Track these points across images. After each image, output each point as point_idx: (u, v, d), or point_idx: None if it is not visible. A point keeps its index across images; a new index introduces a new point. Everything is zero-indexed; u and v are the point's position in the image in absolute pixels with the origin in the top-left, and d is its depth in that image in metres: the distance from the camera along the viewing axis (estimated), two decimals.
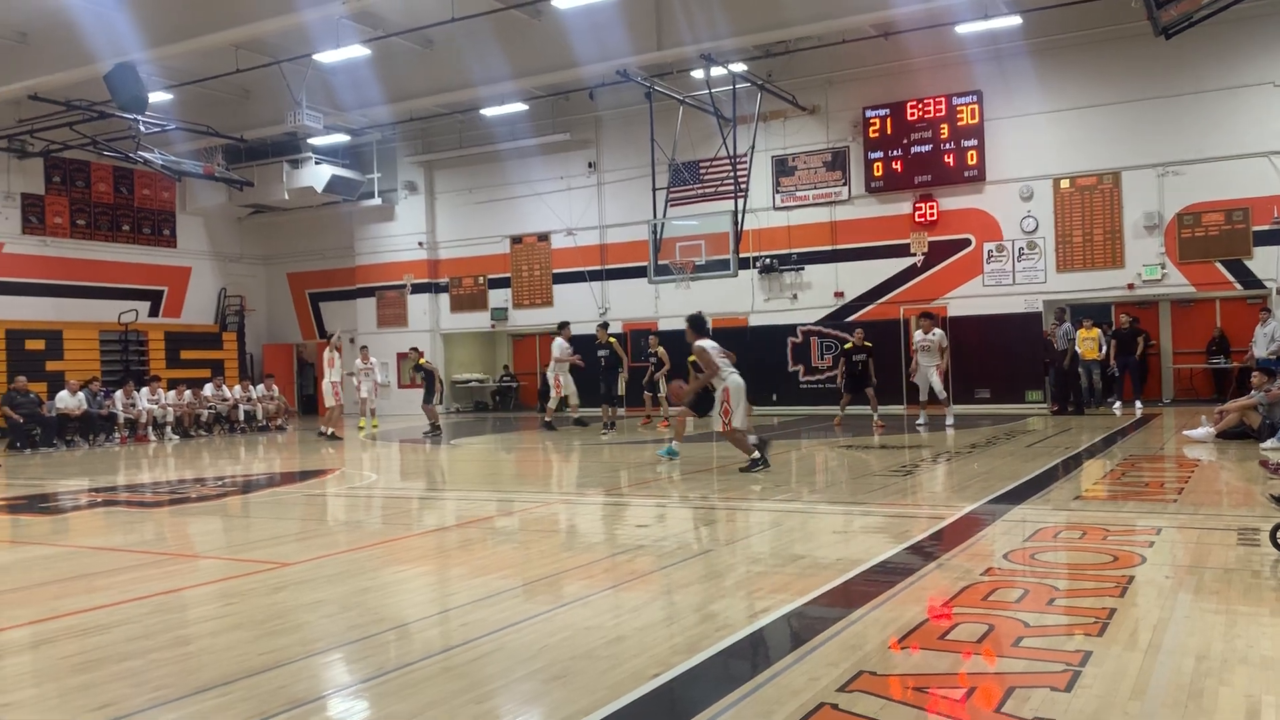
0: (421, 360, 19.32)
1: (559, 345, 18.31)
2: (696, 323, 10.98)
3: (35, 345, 22.71)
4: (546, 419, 18.52)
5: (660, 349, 18.36)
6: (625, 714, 3.45)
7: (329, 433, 18.28)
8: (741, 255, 19.91)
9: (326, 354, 19.08)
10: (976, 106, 20.14)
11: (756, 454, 10.51)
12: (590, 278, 24.26)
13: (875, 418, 16.68)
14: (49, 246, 23.96)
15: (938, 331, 16.15)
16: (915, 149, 20.66)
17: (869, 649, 4.12)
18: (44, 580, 6.31)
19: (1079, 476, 10.07)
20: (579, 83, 20.83)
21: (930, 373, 15.93)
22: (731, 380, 10.48)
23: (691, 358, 11.45)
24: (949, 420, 15.95)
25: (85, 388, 19.65)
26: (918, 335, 16.24)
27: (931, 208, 20.59)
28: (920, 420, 16.36)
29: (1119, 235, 19.24)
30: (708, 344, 10.57)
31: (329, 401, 18.83)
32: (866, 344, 17.26)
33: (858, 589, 5.24)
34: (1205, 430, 12.52)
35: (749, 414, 11.00)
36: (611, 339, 18.39)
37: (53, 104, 19.96)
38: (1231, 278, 18.49)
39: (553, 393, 18.65)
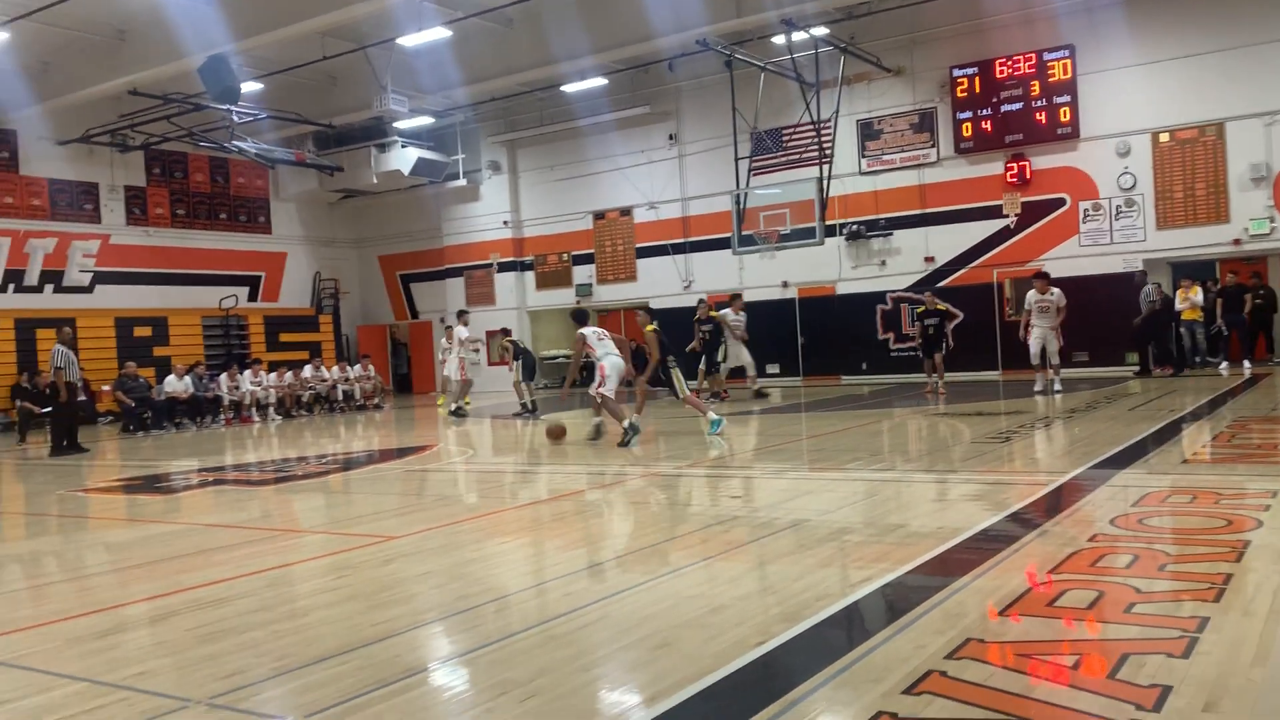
0: (505, 341, 19.51)
1: (730, 317, 17.98)
2: (579, 315, 12.66)
3: (143, 332, 23.64)
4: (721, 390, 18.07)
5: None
6: (731, 681, 3.48)
7: (454, 407, 18.26)
8: (827, 222, 19.66)
9: (458, 332, 19.00)
10: (1069, 61, 19.48)
11: (631, 423, 11.55)
12: (673, 251, 24.23)
13: (938, 384, 16.38)
14: (152, 236, 24.87)
15: (1055, 291, 15.28)
16: (1005, 108, 20.10)
17: (975, 617, 4.08)
18: (164, 556, 6.60)
19: (1186, 440, 9.76)
20: (658, 54, 20.71)
21: (1050, 335, 15.23)
22: (608, 360, 11.76)
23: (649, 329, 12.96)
24: (1056, 386, 15.25)
25: (191, 371, 20.41)
26: (1032, 296, 15.44)
27: (1024, 167, 20.04)
28: (1038, 386, 15.46)
29: (1223, 189, 18.49)
30: (587, 331, 12.05)
31: (454, 377, 18.84)
32: (939, 306, 16.85)
33: (959, 557, 5.18)
34: None
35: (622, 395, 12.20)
36: (714, 312, 18.19)
37: (151, 98, 20.68)
38: None
39: (730, 364, 18.09)
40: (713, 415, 12.01)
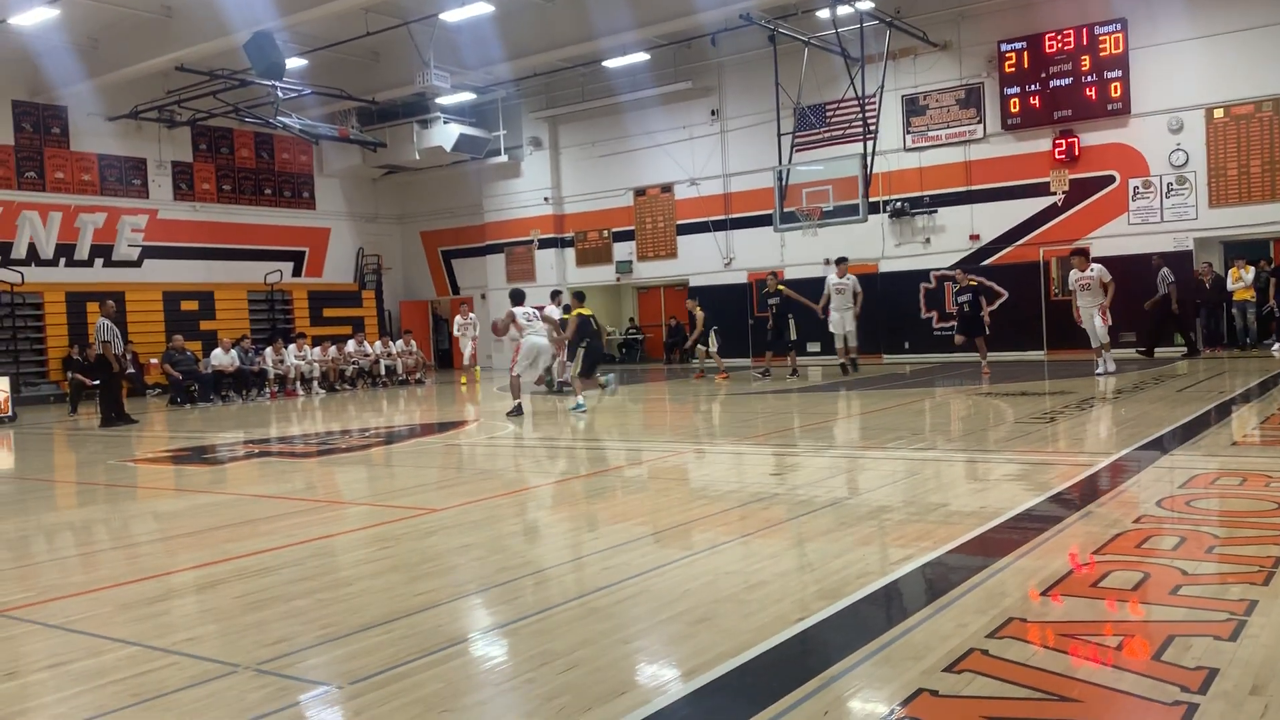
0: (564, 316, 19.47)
1: (833, 279, 17.77)
2: (516, 295, 13.71)
3: (190, 306, 24.00)
4: (843, 361, 17.88)
5: (700, 310, 18.16)
6: (772, 656, 3.49)
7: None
8: (871, 199, 19.46)
9: (549, 310, 19.01)
10: (1120, 35, 19.08)
11: (519, 404, 13.10)
12: (714, 228, 24.12)
13: (983, 365, 16.10)
14: (198, 212, 25.19)
15: (1096, 267, 14.79)
16: (1054, 83, 19.75)
17: (1017, 597, 4.05)
18: (212, 526, 6.72)
19: (1235, 421, 9.59)
20: (700, 29, 20.58)
21: (1094, 313, 14.68)
22: (525, 340, 13.05)
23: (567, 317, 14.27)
24: (1098, 369, 14.65)
25: (237, 345, 20.68)
26: (1073, 275, 15.00)
27: (1072, 144, 19.69)
28: (1099, 368, 14.78)
29: (1279, 166, 18.05)
30: (517, 310, 13.27)
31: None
32: (972, 281, 16.51)
33: (1002, 537, 5.14)
34: None
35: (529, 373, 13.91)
36: (782, 286, 18.07)
37: (197, 74, 20.90)
38: None
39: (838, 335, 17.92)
40: (579, 399, 13.05)
